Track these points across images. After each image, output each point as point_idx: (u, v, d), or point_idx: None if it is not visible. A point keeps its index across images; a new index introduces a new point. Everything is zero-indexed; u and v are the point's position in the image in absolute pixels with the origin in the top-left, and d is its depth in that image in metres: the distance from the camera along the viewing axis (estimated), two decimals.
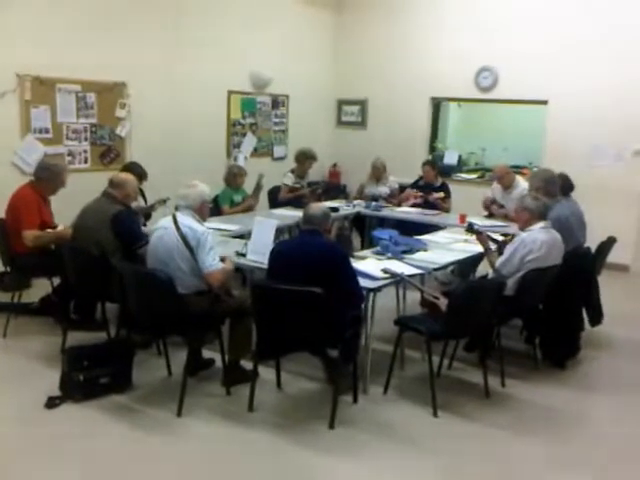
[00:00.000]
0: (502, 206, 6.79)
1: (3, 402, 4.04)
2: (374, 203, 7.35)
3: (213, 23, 7.87)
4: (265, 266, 4.18)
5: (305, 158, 7.58)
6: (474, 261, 5.66)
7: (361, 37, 9.51)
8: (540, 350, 4.89)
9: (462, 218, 6.51)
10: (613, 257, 5.50)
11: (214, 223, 5.55)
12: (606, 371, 4.93)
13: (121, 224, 4.64)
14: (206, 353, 4.48)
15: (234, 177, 6.79)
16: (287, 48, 8.89)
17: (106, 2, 6.68)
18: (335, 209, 6.76)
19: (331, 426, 3.80)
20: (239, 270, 5.16)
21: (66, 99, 6.56)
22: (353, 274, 3.98)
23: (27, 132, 6.27)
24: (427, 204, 7.28)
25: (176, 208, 4.64)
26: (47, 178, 5.15)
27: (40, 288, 5.52)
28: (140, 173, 5.89)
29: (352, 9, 9.55)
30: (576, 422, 4.10)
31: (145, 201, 6.21)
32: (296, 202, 7.19)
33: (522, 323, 5.10)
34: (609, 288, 5.43)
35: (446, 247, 5.40)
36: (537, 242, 4.39)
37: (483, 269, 5.47)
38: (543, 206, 4.53)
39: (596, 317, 5.15)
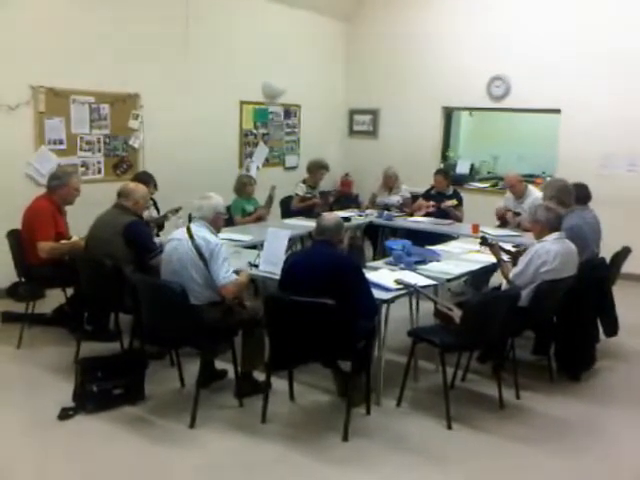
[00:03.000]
0: (518, 213, 6.74)
1: (16, 413, 4.06)
2: (386, 213, 7.34)
3: (225, 34, 7.91)
4: (278, 277, 4.17)
5: (317, 168, 7.60)
6: (487, 272, 5.63)
7: (372, 47, 9.53)
8: (555, 361, 4.84)
9: (475, 228, 6.49)
10: (628, 267, 5.45)
11: (226, 233, 5.54)
12: (622, 383, 4.87)
13: (134, 234, 4.67)
14: (219, 364, 4.48)
15: (244, 186, 6.80)
16: (299, 58, 8.93)
17: (119, 14, 6.73)
18: (347, 219, 6.74)
19: (344, 438, 3.78)
20: (252, 280, 5.15)
21: (80, 110, 6.60)
22: (366, 285, 3.97)
23: (41, 143, 6.31)
24: (440, 213, 7.26)
25: (189, 218, 4.66)
26: (58, 186, 5.19)
27: (54, 299, 5.55)
28: (150, 182, 5.91)
29: (364, 19, 9.57)
30: (592, 435, 4.05)
31: (157, 211, 6.23)
32: (308, 212, 7.20)
33: (535, 335, 5.04)
34: (624, 298, 5.38)
35: (459, 257, 5.37)
36: (551, 253, 4.36)
37: (496, 280, 5.44)
38: (555, 217, 4.49)
39: (611, 328, 5.11)
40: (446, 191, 7.50)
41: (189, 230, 4.15)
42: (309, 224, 6.04)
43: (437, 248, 5.59)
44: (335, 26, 9.56)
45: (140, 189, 4.92)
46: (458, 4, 8.75)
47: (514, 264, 4.65)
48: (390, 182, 7.83)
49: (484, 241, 4.93)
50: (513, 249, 5.10)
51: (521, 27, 8.25)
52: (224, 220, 4.63)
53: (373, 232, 7.55)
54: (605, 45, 7.66)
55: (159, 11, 7.15)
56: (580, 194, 5.19)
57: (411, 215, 7.42)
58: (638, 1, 7.52)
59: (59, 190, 5.19)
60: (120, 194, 4.84)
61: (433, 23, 8.96)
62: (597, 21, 7.73)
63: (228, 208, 6.44)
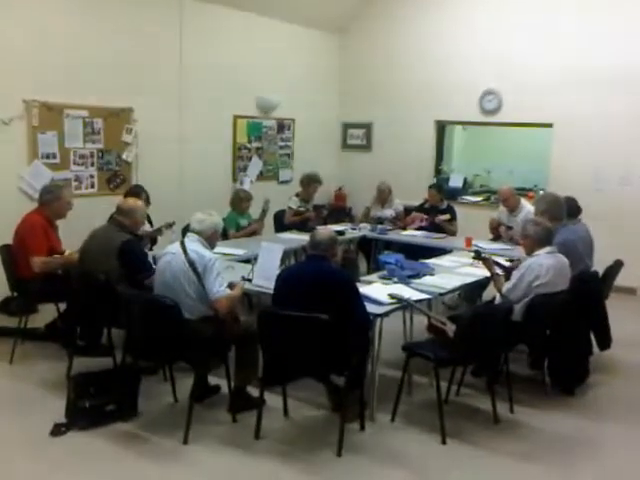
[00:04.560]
0: (510, 227, 6.76)
1: (9, 429, 4.02)
2: (380, 226, 7.36)
3: (219, 48, 7.95)
4: (271, 291, 4.17)
5: (310, 182, 7.61)
6: (481, 285, 5.64)
7: (366, 61, 9.58)
8: (548, 375, 4.84)
9: (468, 241, 6.51)
10: (620, 280, 5.47)
11: (220, 247, 5.50)
12: (615, 396, 4.87)
13: (128, 255, 4.59)
14: (212, 379, 4.45)
15: (240, 201, 6.81)
16: (293, 72, 8.97)
17: (113, 28, 6.76)
18: (341, 232, 6.76)
19: (338, 454, 3.76)
20: (246, 294, 5.14)
21: (73, 125, 6.61)
22: (360, 300, 3.97)
23: (34, 158, 6.31)
24: (433, 227, 7.28)
25: (183, 232, 4.66)
26: (50, 200, 5.18)
27: (46, 313, 5.52)
28: (144, 197, 5.90)
29: (357, 33, 9.64)
30: (586, 449, 4.05)
31: (151, 224, 6.22)
32: (301, 225, 7.21)
33: (528, 349, 5.04)
34: (617, 311, 5.38)
35: (453, 271, 5.38)
36: (544, 267, 4.37)
37: (490, 293, 5.45)
38: (545, 231, 4.51)
39: (604, 341, 5.11)
40: (439, 205, 7.53)
41: (183, 244, 4.15)
42: (303, 238, 6.04)
43: (430, 262, 5.60)
44: (329, 40, 9.61)
45: (140, 208, 4.87)
46: (451, 19, 8.81)
47: (507, 278, 4.66)
48: (383, 196, 7.85)
49: (478, 255, 4.94)
50: (507, 263, 5.11)
51: (513, 42, 8.31)
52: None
53: (367, 246, 7.56)
54: (597, 60, 7.72)
55: (153, 26, 7.19)
56: (570, 208, 5.22)
57: (404, 229, 7.44)
58: (633, 18, 7.58)
59: (52, 204, 5.18)
60: (119, 211, 4.77)
61: (426, 37, 9.03)
62: (589, 36, 7.79)
63: (222, 221, 6.43)
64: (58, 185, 5.49)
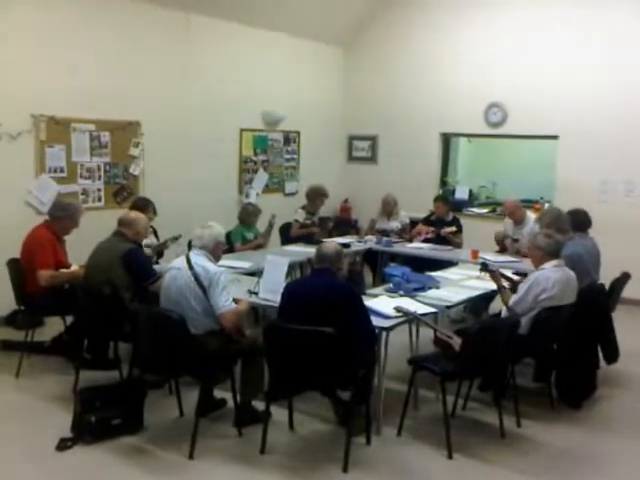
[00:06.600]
0: (516, 240, 6.75)
1: (15, 443, 4.03)
2: (385, 239, 7.34)
3: (225, 62, 7.99)
4: (277, 305, 4.17)
5: (316, 194, 7.62)
6: (487, 298, 5.63)
7: (371, 74, 9.61)
8: (555, 389, 4.81)
9: (474, 254, 6.49)
10: (627, 292, 5.45)
11: (226, 260, 5.51)
12: (623, 410, 4.84)
13: (132, 261, 4.69)
14: (218, 393, 4.44)
15: (249, 216, 6.85)
16: (299, 85, 9.01)
17: (119, 42, 6.82)
18: (346, 245, 6.75)
19: (344, 469, 3.74)
20: (252, 308, 5.14)
21: (80, 138, 6.65)
22: (366, 313, 3.97)
23: (42, 171, 6.35)
24: (439, 239, 7.27)
25: (189, 246, 4.67)
26: (62, 218, 5.22)
27: (53, 327, 5.53)
28: (149, 207, 5.92)
29: (362, 46, 9.67)
30: (593, 464, 4.01)
31: (157, 238, 6.24)
32: (307, 238, 7.21)
33: (535, 362, 5.01)
34: (624, 324, 5.36)
35: (459, 284, 5.36)
36: (550, 281, 4.36)
37: (496, 306, 5.43)
38: (555, 244, 4.50)
39: (612, 354, 5.08)
40: (446, 217, 7.52)
41: (188, 259, 4.16)
42: (309, 250, 6.04)
43: (436, 274, 5.58)
44: (334, 53, 9.65)
45: (142, 219, 4.96)
46: (456, 31, 8.83)
47: (514, 291, 4.65)
48: (389, 208, 7.84)
49: (484, 267, 4.93)
50: (514, 276, 5.09)
51: (518, 53, 8.33)
52: (224, 249, 4.64)
53: (372, 258, 7.54)
54: (602, 71, 7.73)
55: (160, 40, 7.23)
56: (580, 221, 5.21)
57: (410, 241, 7.44)
58: (636, 30, 7.59)
59: (63, 221, 5.21)
60: (121, 223, 4.86)
61: (430, 49, 9.05)
62: (594, 49, 7.80)
63: (228, 235, 6.45)
64: (74, 205, 5.48)
